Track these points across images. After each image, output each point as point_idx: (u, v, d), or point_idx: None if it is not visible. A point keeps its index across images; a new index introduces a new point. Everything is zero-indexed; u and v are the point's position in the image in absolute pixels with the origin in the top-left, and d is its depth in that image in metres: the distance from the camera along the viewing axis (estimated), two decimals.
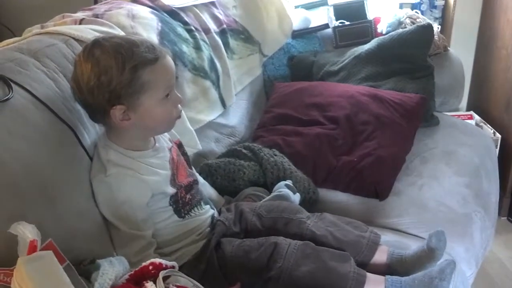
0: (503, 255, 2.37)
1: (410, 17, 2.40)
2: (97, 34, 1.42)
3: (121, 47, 1.17)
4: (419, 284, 1.22)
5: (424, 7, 2.68)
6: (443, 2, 2.74)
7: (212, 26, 2.05)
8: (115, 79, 1.15)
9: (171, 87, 1.24)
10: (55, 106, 1.20)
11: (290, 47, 2.47)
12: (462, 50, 2.67)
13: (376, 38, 2.32)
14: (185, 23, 1.91)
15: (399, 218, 1.64)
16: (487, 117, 2.69)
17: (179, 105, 1.29)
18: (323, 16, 2.54)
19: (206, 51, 1.94)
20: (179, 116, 1.30)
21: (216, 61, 1.99)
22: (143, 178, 1.23)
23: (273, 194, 1.56)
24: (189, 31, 1.90)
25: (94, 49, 1.18)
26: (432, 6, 2.72)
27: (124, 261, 1.10)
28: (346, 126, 1.92)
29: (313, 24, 2.51)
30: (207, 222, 1.39)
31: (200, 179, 1.54)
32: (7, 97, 1.11)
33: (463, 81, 2.45)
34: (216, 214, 1.44)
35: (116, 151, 1.24)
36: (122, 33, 1.57)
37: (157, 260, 1.03)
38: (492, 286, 2.20)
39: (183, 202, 1.34)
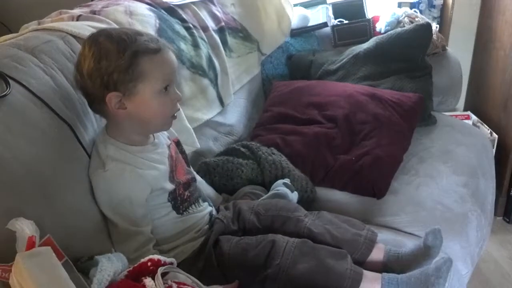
0: (498, 255, 2.38)
1: (408, 16, 2.41)
2: (95, 31, 1.42)
3: (125, 34, 1.19)
4: (416, 282, 1.22)
5: (422, 6, 2.69)
6: (441, 2, 2.74)
7: (211, 24, 2.04)
8: (113, 63, 1.16)
9: (170, 81, 1.24)
10: (52, 102, 1.20)
11: (288, 45, 2.47)
12: (460, 50, 2.68)
13: (375, 37, 2.33)
14: (183, 21, 1.90)
15: (396, 216, 1.64)
16: (484, 118, 2.70)
17: (177, 104, 1.29)
18: (321, 15, 2.54)
19: (204, 49, 1.93)
20: (175, 117, 1.29)
21: (214, 59, 1.98)
22: (141, 173, 1.23)
23: (271, 192, 1.57)
24: (187, 29, 1.90)
25: (100, 36, 1.19)
26: (431, 5, 2.73)
27: (123, 258, 1.09)
28: (344, 125, 1.92)
29: (312, 22, 2.51)
30: (205, 219, 1.40)
31: (198, 177, 1.54)
32: (4, 93, 1.10)
33: (460, 81, 2.46)
34: (214, 212, 1.45)
35: (114, 146, 1.24)
36: None
37: (156, 257, 1.03)
38: (487, 285, 2.21)
39: (181, 199, 1.34)
